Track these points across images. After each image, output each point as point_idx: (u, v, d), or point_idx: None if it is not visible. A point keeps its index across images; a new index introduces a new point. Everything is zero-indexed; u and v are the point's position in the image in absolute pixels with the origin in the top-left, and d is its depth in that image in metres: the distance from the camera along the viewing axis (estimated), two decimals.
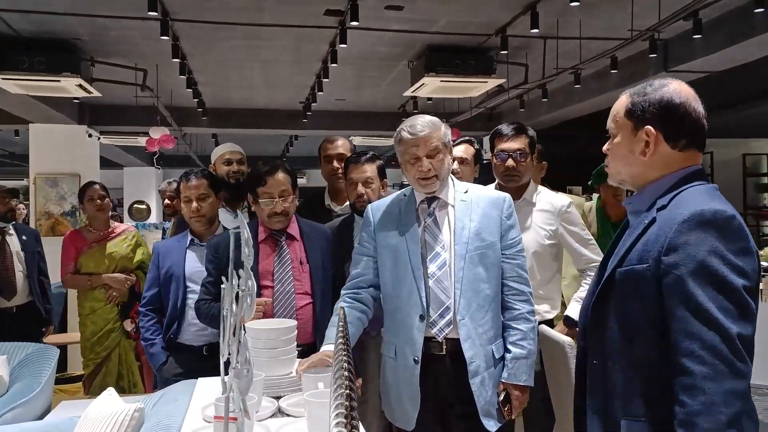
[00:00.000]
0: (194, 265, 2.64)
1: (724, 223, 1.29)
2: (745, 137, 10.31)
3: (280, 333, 1.83)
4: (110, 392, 2.14)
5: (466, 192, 2.09)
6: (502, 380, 1.97)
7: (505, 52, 5.71)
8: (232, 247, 1.13)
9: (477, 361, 1.93)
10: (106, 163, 10.40)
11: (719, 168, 9.70)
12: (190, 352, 2.60)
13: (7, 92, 6.07)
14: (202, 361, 2.52)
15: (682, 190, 1.39)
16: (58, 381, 4.08)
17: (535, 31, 5.04)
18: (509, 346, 2.00)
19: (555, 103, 8.01)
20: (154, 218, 12.31)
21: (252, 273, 1.08)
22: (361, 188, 2.63)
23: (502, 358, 2.00)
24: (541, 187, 2.57)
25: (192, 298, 2.57)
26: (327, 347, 1.89)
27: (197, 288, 2.53)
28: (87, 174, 8.19)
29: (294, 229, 2.47)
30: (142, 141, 8.32)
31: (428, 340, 1.98)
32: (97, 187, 3.93)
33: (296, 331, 1.91)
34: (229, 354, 1.10)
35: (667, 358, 1.29)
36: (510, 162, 2.47)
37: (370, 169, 2.68)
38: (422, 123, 2.03)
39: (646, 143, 1.43)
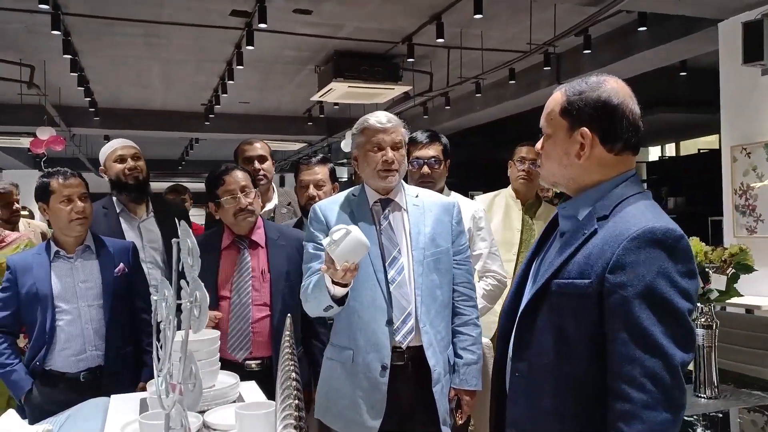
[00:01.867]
0: (63, 281, 2.34)
1: (674, 243, 1.21)
2: None
3: (202, 345, 1.75)
4: (10, 413, 1.96)
5: (417, 197, 2.05)
6: (454, 386, 1.95)
7: (411, 60, 5.82)
8: (176, 258, 1.07)
9: (438, 369, 1.90)
10: None
11: None
12: (63, 381, 2.29)
13: None
14: (82, 391, 2.20)
15: (624, 200, 1.30)
16: None
17: (441, 40, 5.19)
18: (461, 352, 1.98)
19: (457, 111, 8.26)
20: None
21: (200, 283, 1.03)
22: (312, 190, 2.58)
23: (454, 363, 1.98)
24: (453, 193, 2.64)
25: (63, 319, 2.30)
26: None
27: (67, 307, 2.30)
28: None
29: (259, 236, 2.36)
30: (26, 142, 7.71)
31: (391, 348, 1.90)
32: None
33: (218, 342, 1.84)
34: (170, 368, 1.04)
35: (604, 381, 1.22)
36: (425, 169, 2.51)
37: (321, 172, 2.62)
38: (389, 116, 1.98)
39: (582, 145, 1.32)
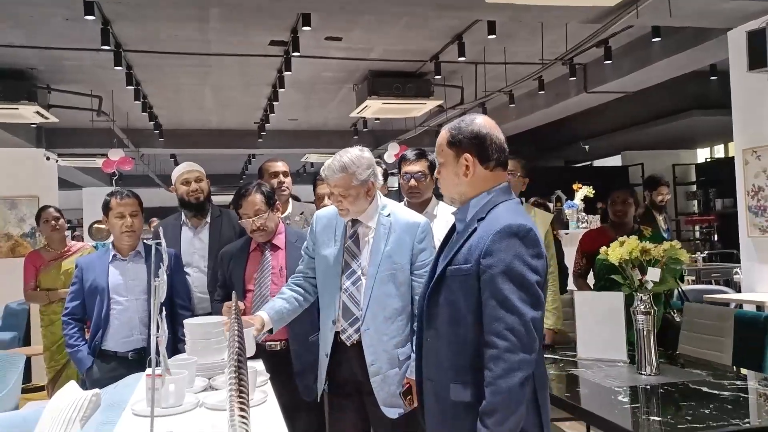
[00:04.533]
0: (117, 278, 2.91)
1: (525, 234, 1.65)
2: (674, 149, 11.08)
3: (212, 327, 2.22)
4: (71, 384, 2.49)
5: (388, 216, 2.36)
6: (407, 376, 2.30)
7: (439, 77, 6.22)
8: (153, 268, 1.53)
9: (378, 364, 2.28)
10: (65, 184, 10.56)
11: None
12: (115, 358, 2.86)
13: None
14: (129, 367, 2.76)
15: (496, 206, 1.72)
16: (23, 391, 4.36)
17: (462, 58, 5.56)
18: (412, 348, 2.31)
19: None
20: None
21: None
22: (326, 201, 3.00)
23: (409, 358, 2.32)
24: (440, 202, 2.99)
25: (115, 309, 2.87)
26: (259, 313, 2.35)
27: (120, 299, 2.87)
28: (45, 195, 8.39)
29: (279, 240, 2.84)
30: (100, 162, 8.56)
31: (340, 341, 2.36)
32: (51, 210, 4.26)
33: (224, 326, 2.30)
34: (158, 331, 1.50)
35: (479, 334, 1.64)
36: (412, 182, 2.89)
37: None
38: (330, 168, 2.30)
39: (467, 167, 1.74)
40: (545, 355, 2.86)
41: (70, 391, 2.36)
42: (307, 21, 4.59)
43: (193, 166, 3.32)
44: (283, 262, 2.78)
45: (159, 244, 3.16)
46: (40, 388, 5.26)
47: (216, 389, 2.05)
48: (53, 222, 4.18)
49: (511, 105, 7.45)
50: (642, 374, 2.41)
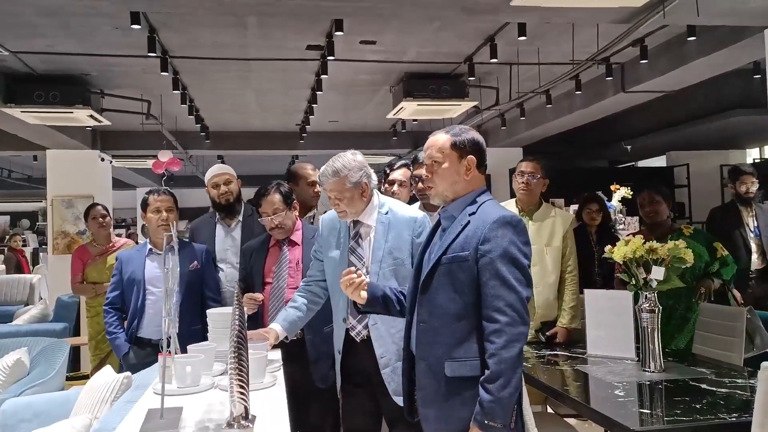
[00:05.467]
0: (152, 271, 3.15)
1: (517, 224, 1.93)
2: (722, 149, 10.78)
3: (231, 316, 2.39)
4: (108, 368, 2.71)
5: (387, 213, 2.49)
6: None
7: (473, 78, 6.28)
8: (164, 261, 1.69)
9: (387, 356, 2.42)
10: (119, 184, 11.06)
11: (696, 178, 10.14)
12: (150, 345, 3.10)
13: (25, 122, 6.74)
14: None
15: (484, 202, 2.01)
16: (72, 378, 4.66)
17: (495, 60, 5.62)
18: None
19: (532, 121, 8.56)
20: None
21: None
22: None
23: None
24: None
25: (150, 299, 3.11)
26: (273, 326, 2.48)
27: (155, 290, 3.10)
28: (100, 195, 8.85)
29: (297, 236, 3.02)
30: (150, 163, 8.98)
31: (351, 337, 2.52)
32: (99, 207, 4.55)
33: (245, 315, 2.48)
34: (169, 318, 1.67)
35: (476, 315, 1.88)
36: (420, 184, 3.03)
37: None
38: (324, 174, 2.46)
39: (467, 168, 2.02)
40: (556, 352, 2.94)
41: (105, 374, 2.57)
42: (340, 26, 4.75)
43: (222, 170, 3.52)
44: (299, 257, 2.94)
45: (190, 240, 3.38)
46: (86, 376, 5.60)
47: None
48: (100, 219, 4.47)
49: (548, 105, 7.45)
50: (646, 371, 2.46)
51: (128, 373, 2.47)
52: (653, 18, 4.21)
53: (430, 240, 2.11)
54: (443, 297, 1.92)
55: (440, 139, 2.05)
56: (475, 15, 4.33)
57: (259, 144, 9.91)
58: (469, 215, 1.97)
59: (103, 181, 9.42)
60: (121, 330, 3.16)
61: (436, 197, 2.05)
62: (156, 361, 2.81)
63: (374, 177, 2.58)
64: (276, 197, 2.94)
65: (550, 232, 3.22)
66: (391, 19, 5.02)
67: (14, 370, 3.13)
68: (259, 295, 2.87)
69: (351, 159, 2.47)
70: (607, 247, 2.55)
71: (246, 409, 1.55)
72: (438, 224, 2.11)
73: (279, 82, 6.88)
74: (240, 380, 1.51)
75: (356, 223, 2.52)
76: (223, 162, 12.64)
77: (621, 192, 6.96)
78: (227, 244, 3.40)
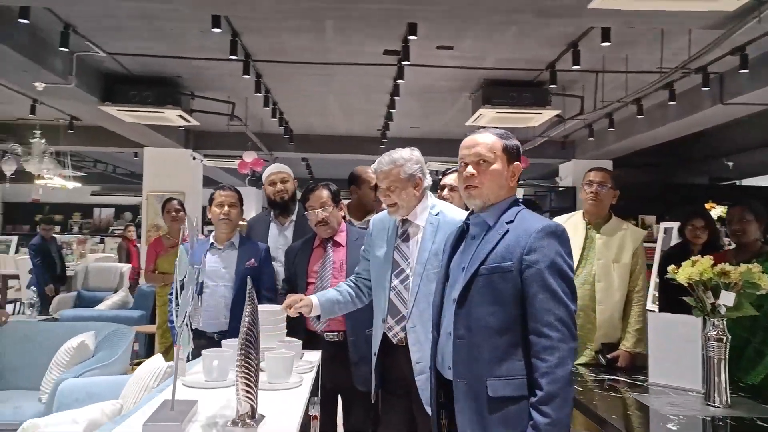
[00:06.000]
0: (211, 265, 3.20)
1: (561, 234, 1.83)
2: None
3: (268, 315, 2.38)
4: (158, 357, 2.78)
5: (437, 215, 2.42)
6: None
7: (554, 86, 6.05)
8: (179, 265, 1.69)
9: (424, 362, 2.30)
10: (211, 182, 11.51)
11: None
12: (204, 337, 3.13)
13: (123, 121, 7.17)
14: (215, 346, 3.02)
15: (520, 211, 1.91)
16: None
17: (577, 67, 5.38)
18: None
19: (622, 133, 8.15)
20: None
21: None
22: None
23: None
24: None
25: (206, 293, 3.16)
26: (311, 297, 2.53)
27: (211, 284, 3.14)
28: (191, 192, 9.29)
29: (342, 237, 3.02)
30: (237, 163, 9.31)
31: (389, 340, 2.44)
32: (174, 202, 4.74)
33: (284, 314, 2.46)
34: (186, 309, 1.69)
35: (520, 328, 1.77)
36: (446, 192, 2.99)
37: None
38: (381, 161, 2.43)
39: (513, 174, 1.94)
40: (617, 377, 2.73)
41: (153, 362, 2.64)
42: (414, 30, 4.70)
43: (279, 168, 3.57)
44: (343, 258, 2.91)
45: (246, 236, 3.42)
46: None
47: (263, 371, 2.20)
48: (174, 213, 4.66)
49: (639, 116, 7.05)
50: (710, 406, 2.22)
51: (171, 363, 2.52)
52: (749, 24, 3.88)
53: (455, 248, 2.00)
54: (483, 310, 1.81)
55: (489, 138, 1.95)
56: (551, 18, 4.16)
57: (342, 148, 10.03)
58: (507, 223, 1.87)
59: (194, 179, 9.88)
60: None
61: (478, 198, 1.92)
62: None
63: (429, 177, 2.52)
64: (324, 192, 2.95)
65: (619, 246, 3.00)
66: (468, 24, 4.92)
67: (78, 352, 3.31)
68: (298, 296, 2.87)
69: (409, 152, 2.46)
70: (670, 267, 2.33)
71: (252, 408, 1.53)
72: (462, 231, 2.01)
73: (359, 86, 6.93)
74: (246, 378, 1.48)
75: (405, 222, 2.46)
76: (308, 166, 12.94)
77: (717, 211, 6.47)
78: (279, 242, 3.44)
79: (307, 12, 4.36)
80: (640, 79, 6.05)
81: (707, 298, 2.21)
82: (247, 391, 1.49)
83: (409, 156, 2.44)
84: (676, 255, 3.79)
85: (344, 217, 3.74)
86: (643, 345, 2.93)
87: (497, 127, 2.03)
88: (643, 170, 10.53)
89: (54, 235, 8.66)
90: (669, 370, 2.52)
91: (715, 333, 2.23)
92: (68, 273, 8.48)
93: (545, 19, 4.21)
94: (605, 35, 4.67)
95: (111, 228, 16.36)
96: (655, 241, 7.62)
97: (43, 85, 5.83)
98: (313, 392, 2.37)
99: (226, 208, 3.26)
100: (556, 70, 5.93)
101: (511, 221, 1.87)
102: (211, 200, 3.35)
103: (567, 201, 10.25)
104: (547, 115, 6.64)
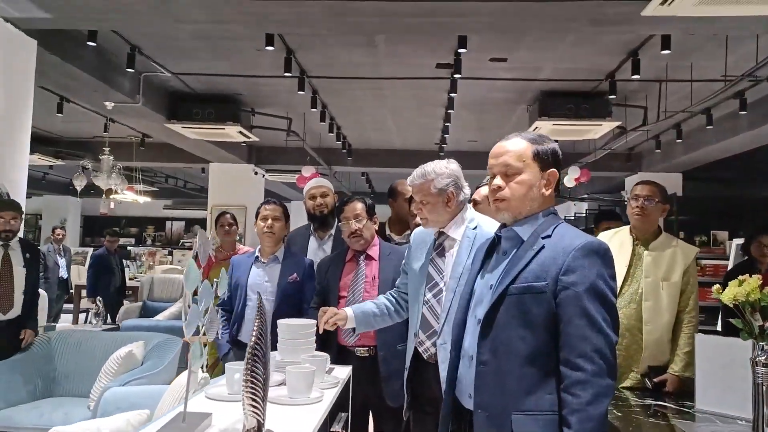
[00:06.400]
0: (255, 278, 3.25)
1: (605, 253, 1.63)
2: None
3: (299, 328, 2.39)
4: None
5: (475, 228, 2.36)
6: None
7: (614, 96, 5.86)
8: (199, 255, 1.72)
9: None
10: (272, 196, 11.80)
11: None
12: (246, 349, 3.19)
13: (188, 138, 7.46)
14: None
15: (557, 224, 1.71)
16: None
17: (636, 77, 5.19)
18: None
19: (690, 145, 7.79)
20: None
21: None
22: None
23: None
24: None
25: (249, 305, 3.20)
26: (346, 309, 2.49)
27: (253, 297, 3.17)
28: (253, 206, 9.51)
29: (374, 251, 3.00)
30: (296, 178, 9.50)
31: (420, 356, 2.38)
32: (227, 216, 4.85)
33: (313, 328, 2.46)
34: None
35: (551, 354, 1.58)
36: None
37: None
38: (414, 174, 2.39)
39: (548, 182, 1.73)
40: (664, 403, 2.58)
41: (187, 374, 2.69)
42: (464, 43, 4.67)
43: (320, 182, 3.60)
44: (376, 272, 2.89)
45: (286, 249, 3.46)
46: None
47: (284, 385, 2.21)
48: (227, 227, 4.77)
49: (708, 127, 6.72)
50: None
51: (207, 375, 2.56)
52: None
53: (483, 263, 1.82)
54: (512, 334, 1.62)
55: (518, 144, 1.76)
56: (605, 26, 4.03)
57: (401, 161, 10.06)
58: (543, 238, 1.67)
59: (256, 193, 10.15)
60: (226, 331, 3.31)
61: (506, 212, 1.74)
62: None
63: (467, 190, 2.46)
64: (358, 205, 2.94)
65: (669, 264, 2.84)
66: (520, 35, 4.84)
67: (126, 361, 3.43)
68: (327, 308, 2.87)
69: (443, 165, 2.38)
70: (715, 287, 2.18)
71: (259, 423, 1.53)
72: (492, 245, 1.83)
73: (412, 100, 6.94)
74: (252, 393, 1.49)
75: (441, 234, 2.41)
76: (368, 180, 13.03)
77: None
78: (318, 256, 3.45)
79: (354, 26, 4.40)
80: (707, 88, 5.77)
81: (755, 320, 2.06)
82: (253, 406, 1.49)
83: (441, 169, 2.37)
84: (739, 274, 3.54)
85: (382, 232, 3.74)
86: (693, 369, 2.76)
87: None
88: (714, 184, 10.02)
89: (119, 247, 9.05)
90: (716, 397, 2.35)
91: (764, 358, 2.06)
92: (134, 284, 8.84)
93: (600, 28, 4.09)
94: (665, 43, 4.49)
95: (181, 240, 17.01)
96: (727, 259, 7.23)
97: (113, 104, 6.15)
98: (340, 408, 2.36)
99: (270, 221, 3.31)
100: (616, 80, 5.75)
101: (548, 236, 1.68)
102: (257, 214, 3.42)
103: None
104: (607, 126, 6.44)
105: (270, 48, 4.74)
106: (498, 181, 1.74)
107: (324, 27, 4.33)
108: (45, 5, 3.81)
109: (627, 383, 2.82)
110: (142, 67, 5.78)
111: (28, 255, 4.07)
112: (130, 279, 9.50)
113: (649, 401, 2.62)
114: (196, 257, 1.69)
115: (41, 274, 8.33)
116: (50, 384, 3.73)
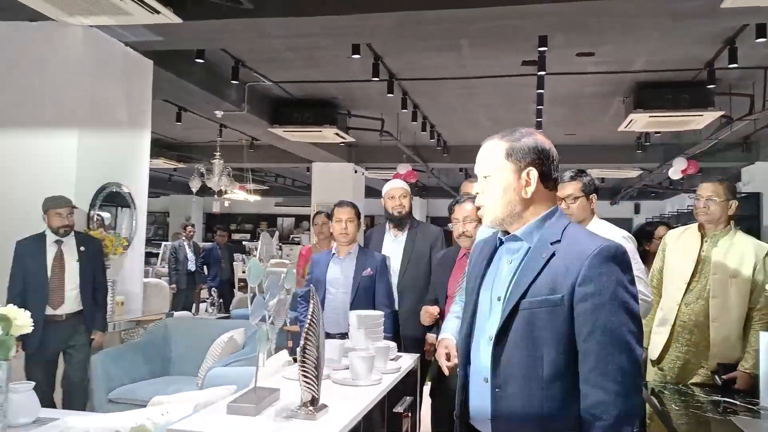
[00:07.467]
0: (333, 273, 3.50)
1: (623, 258, 1.47)
2: None
3: (368, 319, 2.64)
4: (283, 352, 3.17)
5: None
6: None
7: (712, 86, 5.62)
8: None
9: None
10: (373, 192, 12.19)
11: None
12: (328, 338, 3.40)
13: (290, 140, 7.98)
14: None
15: (567, 227, 1.54)
16: None
17: (734, 65, 4.97)
18: None
19: None
20: None
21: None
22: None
23: None
24: (602, 224, 2.83)
25: (328, 298, 3.46)
26: (447, 336, 2.20)
27: (332, 290, 3.46)
28: (355, 202, 9.97)
29: None
30: (392, 175, 9.83)
31: None
32: (323, 215, 5.22)
33: (381, 319, 2.69)
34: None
35: (570, 374, 1.46)
36: (563, 205, 2.74)
37: (471, 209, 3.10)
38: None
39: (527, 182, 1.54)
40: (733, 400, 2.58)
41: (279, 357, 3.02)
42: (544, 42, 4.71)
43: (399, 184, 3.81)
44: None
45: (364, 245, 3.72)
46: None
47: (346, 368, 2.46)
48: (321, 225, 5.13)
49: None
50: None
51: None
52: None
53: (485, 270, 1.65)
54: (529, 354, 1.48)
55: (490, 146, 1.62)
56: (687, 20, 3.94)
57: None
58: (552, 244, 1.52)
59: (356, 190, 10.58)
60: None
61: (486, 218, 1.62)
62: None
63: None
64: (469, 206, 3.03)
65: (739, 261, 2.80)
66: (604, 32, 4.79)
67: (228, 345, 3.84)
68: (429, 307, 3.09)
69: None
70: None
71: (314, 397, 1.78)
72: (494, 250, 1.66)
73: (502, 97, 6.99)
74: (304, 370, 1.74)
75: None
76: (467, 176, 13.11)
77: None
78: (392, 251, 3.68)
79: (432, 35, 4.56)
80: None
81: None
82: (307, 382, 1.74)
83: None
84: None
85: None
86: None
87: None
88: None
89: (233, 242, 9.80)
90: None
91: None
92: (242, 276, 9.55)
93: (682, 22, 4.01)
94: (761, 31, 4.30)
95: (291, 236, 17.96)
96: None
97: (222, 112, 6.75)
98: (405, 393, 2.57)
99: (344, 223, 3.56)
100: (715, 69, 5.51)
101: (557, 241, 1.52)
102: (330, 215, 3.69)
103: (751, 208, 9.26)
104: (709, 116, 6.17)
105: (356, 56, 5.04)
106: (477, 187, 1.65)
107: (399, 36, 4.54)
108: (158, 30, 4.32)
109: (696, 379, 2.83)
110: (246, 77, 6.29)
111: (83, 248, 3.91)
112: (243, 272, 10.26)
113: (717, 398, 2.63)
114: (258, 257, 1.95)
115: (173, 267, 9.20)
116: (167, 364, 4.24)
